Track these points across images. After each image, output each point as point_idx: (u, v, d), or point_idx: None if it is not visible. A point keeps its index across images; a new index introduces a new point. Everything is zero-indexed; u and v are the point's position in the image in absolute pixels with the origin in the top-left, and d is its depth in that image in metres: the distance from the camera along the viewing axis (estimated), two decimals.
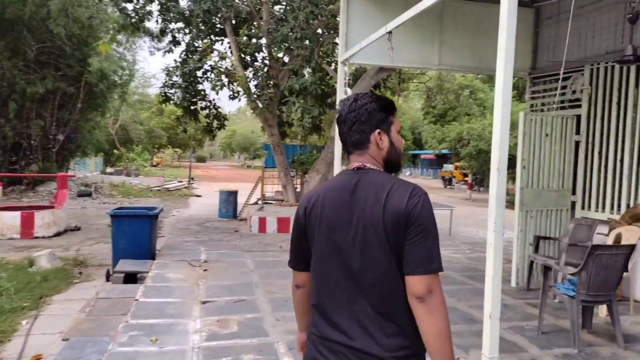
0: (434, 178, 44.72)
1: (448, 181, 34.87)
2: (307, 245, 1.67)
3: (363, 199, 1.53)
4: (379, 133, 1.62)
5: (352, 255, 1.53)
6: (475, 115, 24.87)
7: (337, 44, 10.12)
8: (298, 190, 14.34)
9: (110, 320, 4.95)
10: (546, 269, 4.62)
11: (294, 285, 1.80)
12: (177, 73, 12.38)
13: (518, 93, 28.17)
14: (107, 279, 6.78)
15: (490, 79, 31.02)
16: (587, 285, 4.14)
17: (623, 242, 5.50)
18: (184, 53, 12.98)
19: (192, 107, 13.29)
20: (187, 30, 13.01)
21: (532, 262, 6.20)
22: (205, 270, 7.02)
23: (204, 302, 5.44)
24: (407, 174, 50.67)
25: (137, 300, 5.43)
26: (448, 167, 37.68)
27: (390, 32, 4.93)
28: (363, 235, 1.51)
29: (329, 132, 13.74)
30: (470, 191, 25.72)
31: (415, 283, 1.46)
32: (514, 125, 22.85)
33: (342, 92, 6.62)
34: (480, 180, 29.56)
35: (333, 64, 12.91)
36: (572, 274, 4.30)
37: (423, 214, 1.48)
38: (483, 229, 13.17)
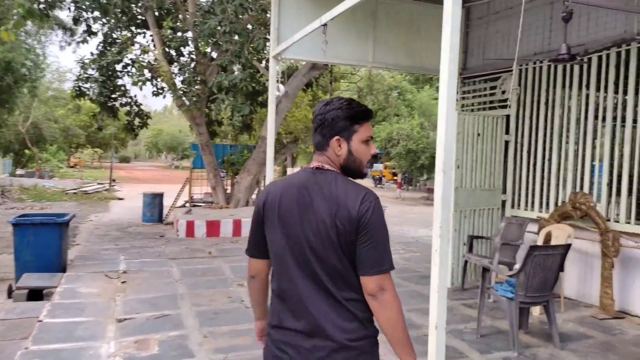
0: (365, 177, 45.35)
1: (378, 180, 35.47)
2: (264, 235, 1.76)
3: (317, 199, 1.62)
4: (338, 140, 1.68)
5: (305, 251, 1.62)
6: (403, 116, 25.39)
7: (268, 39, 9.73)
8: (228, 191, 13.78)
9: (7, 347, 4.26)
10: (484, 270, 4.54)
11: (249, 275, 1.87)
12: (94, 66, 11.40)
13: None
14: (9, 296, 5.97)
15: (417, 80, 31.88)
16: (526, 286, 4.08)
17: (553, 241, 5.59)
18: (101, 45, 12.00)
19: (109, 104, 12.32)
20: (104, 20, 12.04)
21: (466, 261, 6.18)
22: (124, 282, 6.38)
23: (120, 320, 4.87)
24: None
25: (40, 321, 4.75)
26: (378, 166, 38.32)
27: (325, 25, 4.65)
28: (316, 233, 1.61)
29: (260, 132, 13.31)
30: (399, 190, 26.24)
31: (368, 283, 1.59)
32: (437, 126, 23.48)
33: (274, 89, 6.27)
34: (409, 180, 30.31)
35: (264, 61, 12.49)
36: (510, 276, 4.23)
37: (373, 219, 1.58)
38: (414, 228, 13.33)
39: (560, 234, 5.53)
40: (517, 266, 4.13)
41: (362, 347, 1.62)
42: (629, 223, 5.20)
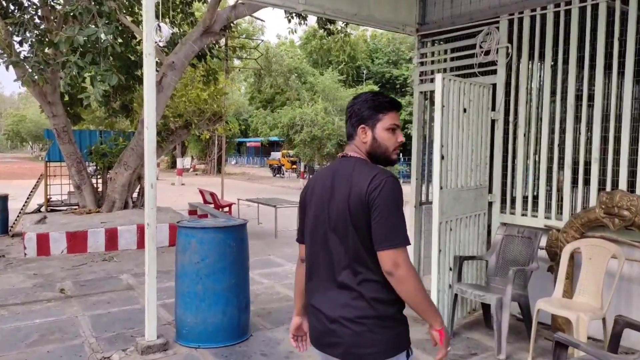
0: (262, 166, 43.05)
1: (277, 170, 33.32)
2: None
3: (338, 183, 1.75)
4: (363, 128, 1.79)
5: (328, 234, 1.75)
6: (305, 100, 23.41)
7: None
8: (100, 190, 10.70)
9: None
10: (558, 346, 2.54)
11: (299, 259, 1.96)
12: None
13: (347, 77, 27.77)
14: None
15: (316, 64, 30.07)
16: None
17: (585, 264, 3.85)
18: None
19: None
20: None
21: (456, 295, 4.26)
22: None
23: None
24: (232, 163, 48.09)
25: None
26: (276, 155, 36.20)
27: None
28: (336, 216, 1.72)
29: (140, 115, 10.41)
30: (303, 180, 24.40)
31: (382, 258, 1.63)
32: (343, 111, 21.73)
33: (151, 30, 3.75)
34: (312, 169, 28.61)
35: (141, 26, 9.58)
36: None
37: (382, 194, 1.63)
38: None
39: (596, 253, 3.81)
40: None
41: (366, 325, 1.65)
42: None
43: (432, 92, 5.68)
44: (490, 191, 4.86)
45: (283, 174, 32.18)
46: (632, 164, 3.96)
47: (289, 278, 6.39)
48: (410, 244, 1.64)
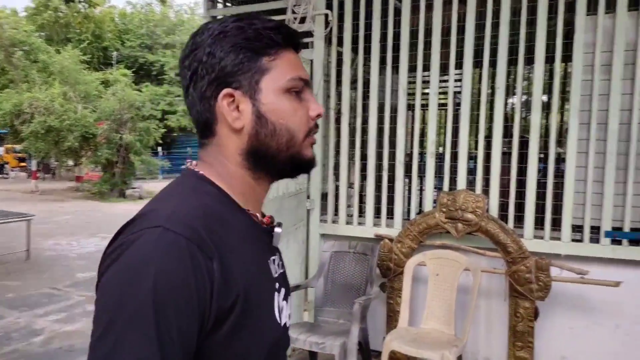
0: None
1: None
2: None
3: None
4: (229, 96, 0.74)
5: None
6: (36, 83, 18.95)
7: None
8: None
9: None
10: None
11: None
12: None
13: (92, 59, 23.78)
14: None
15: (50, 41, 24.96)
16: None
17: (432, 281, 3.17)
18: None
19: None
20: None
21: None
22: None
23: None
24: None
25: None
26: None
27: None
28: None
29: None
30: (35, 181, 19.87)
31: None
32: (87, 97, 18.42)
33: None
34: (47, 167, 23.82)
35: None
36: None
37: (102, 285, 0.67)
38: (76, 237, 8.97)
39: (445, 267, 3.16)
40: None
41: None
42: (541, 238, 3.26)
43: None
44: (308, 195, 3.87)
45: (8, 174, 26.02)
46: (472, 159, 3.47)
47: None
48: None
